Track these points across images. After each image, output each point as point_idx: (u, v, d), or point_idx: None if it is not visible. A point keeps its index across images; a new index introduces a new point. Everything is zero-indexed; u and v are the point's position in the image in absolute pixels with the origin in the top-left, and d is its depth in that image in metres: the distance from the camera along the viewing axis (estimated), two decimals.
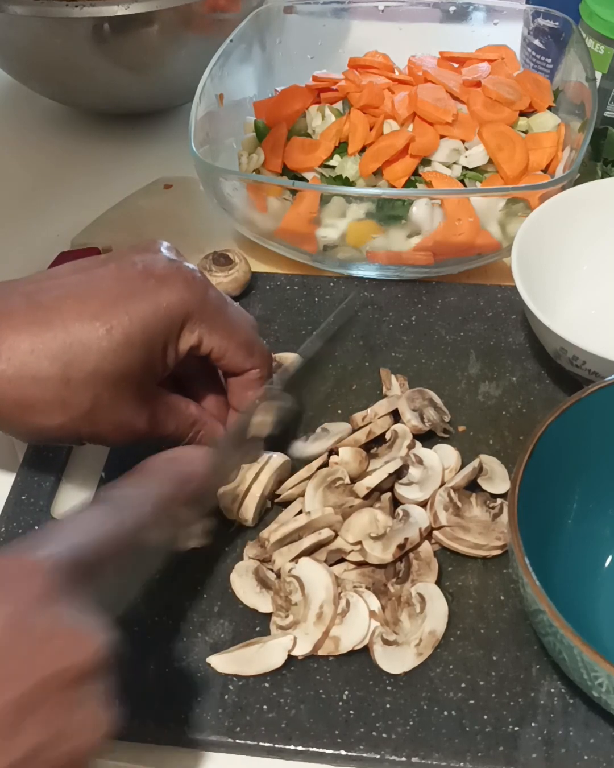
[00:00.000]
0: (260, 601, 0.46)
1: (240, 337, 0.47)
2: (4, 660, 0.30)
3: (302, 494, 0.50)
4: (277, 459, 0.50)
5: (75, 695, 0.31)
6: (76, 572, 0.34)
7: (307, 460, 0.51)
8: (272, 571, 0.47)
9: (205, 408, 0.50)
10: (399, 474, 0.50)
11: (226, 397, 0.51)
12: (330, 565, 0.47)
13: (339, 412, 0.56)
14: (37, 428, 0.44)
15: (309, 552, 0.47)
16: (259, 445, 0.49)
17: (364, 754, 0.41)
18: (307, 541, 0.47)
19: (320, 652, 0.44)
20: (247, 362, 0.48)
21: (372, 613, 0.45)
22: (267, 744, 0.42)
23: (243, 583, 0.47)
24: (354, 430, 0.53)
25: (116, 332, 0.42)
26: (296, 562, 0.46)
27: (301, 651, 0.44)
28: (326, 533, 0.47)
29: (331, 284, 0.65)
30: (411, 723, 0.42)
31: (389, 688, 0.43)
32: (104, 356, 0.42)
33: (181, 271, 0.45)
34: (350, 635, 0.44)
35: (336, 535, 0.47)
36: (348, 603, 0.45)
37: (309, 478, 0.50)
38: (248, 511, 0.48)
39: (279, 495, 0.50)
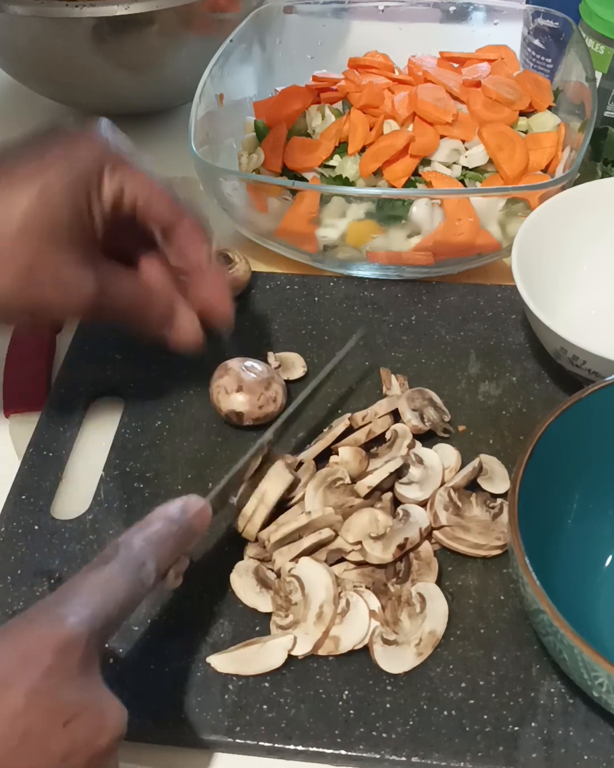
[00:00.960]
0: (260, 601, 0.46)
1: (158, 184, 0.48)
2: (35, 735, 0.31)
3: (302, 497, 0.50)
4: (278, 477, 0.49)
5: (97, 765, 0.32)
6: (100, 639, 0.34)
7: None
8: (272, 570, 0.47)
9: (154, 278, 0.50)
10: (399, 474, 0.50)
11: (169, 272, 0.51)
12: (331, 565, 0.47)
13: (339, 412, 0.56)
14: None
15: (309, 552, 0.47)
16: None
17: (364, 754, 0.41)
18: (308, 541, 0.47)
19: (320, 652, 0.44)
20: (172, 209, 0.48)
21: (372, 613, 0.45)
22: (267, 744, 0.42)
23: (243, 583, 0.47)
24: (354, 430, 0.53)
25: (40, 185, 0.43)
26: (296, 562, 0.46)
27: (300, 651, 0.44)
28: (326, 533, 0.47)
29: (331, 284, 0.65)
30: (411, 723, 0.42)
31: (389, 687, 0.43)
32: (32, 208, 0.43)
33: (90, 131, 0.47)
34: (350, 635, 0.44)
35: (337, 535, 0.47)
36: (348, 603, 0.45)
37: (309, 480, 0.50)
38: (255, 528, 0.48)
39: (285, 504, 0.50)
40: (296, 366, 0.58)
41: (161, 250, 0.50)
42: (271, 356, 0.58)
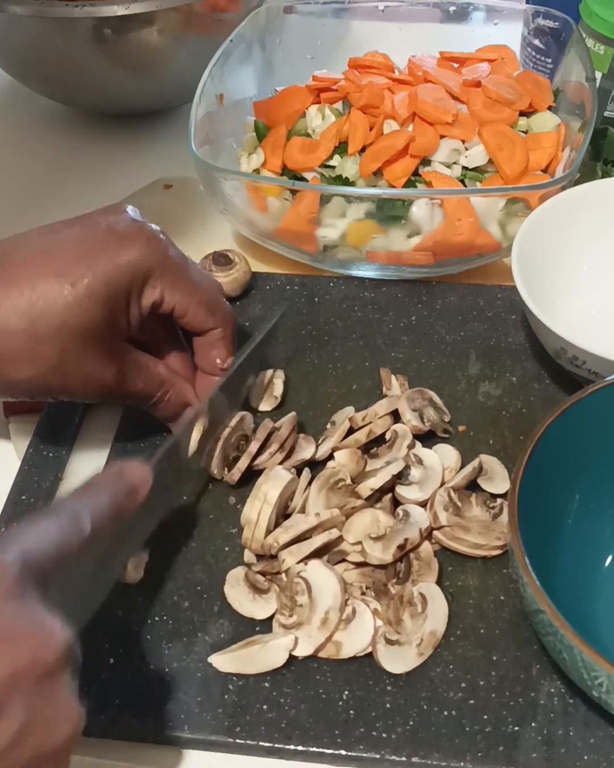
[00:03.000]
0: (256, 608, 0.46)
1: (201, 295, 0.49)
2: None
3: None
4: (276, 477, 0.49)
5: (48, 686, 0.32)
6: (39, 573, 0.35)
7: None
8: (264, 575, 0.47)
9: (172, 369, 0.52)
10: (399, 474, 0.50)
11: (191, 360, 0.53)
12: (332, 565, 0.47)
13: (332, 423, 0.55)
14: (9, 381, 0.46)
15: (318, 553, 0.47)
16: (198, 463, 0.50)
17: (364, 754, 0.41)
18: (319, 541, 0.46)
19: (321, 655, 0.44)
20: (208, 320, 0.50)
21: (375, 612, 0.45)
22: (267, 744, 0.42)
23: (237, 594, 0.46)
24: (354, 430, 0.53)
25: (79, 287, 0.45)
26: (305, 564, 0.46)
27: (302, 652, 0.44)
28: (335, 534, 0.47)
29: (331, 284, 0.65)
30: (411, 723, 0.42)
31: (389, 688, 0.43)
32: (69, 310, 0.44)
33: (142, 229, 0.48)
34: (353, 643, 0.44)
35: (341, 536, 0.47)
36: (354, 611, 0.45)
37: (309, 483, 0.50)
38: (262, 532, 0.47)
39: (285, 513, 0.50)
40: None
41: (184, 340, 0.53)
42: None
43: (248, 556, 0.49)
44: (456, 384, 0.57)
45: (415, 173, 0.63)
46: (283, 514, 0.49)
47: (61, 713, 0.32)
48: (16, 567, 0.34)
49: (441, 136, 0.64)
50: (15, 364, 0.45)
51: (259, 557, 0.48)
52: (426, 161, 0.64)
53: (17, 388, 0.47)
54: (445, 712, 0.43)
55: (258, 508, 0.48)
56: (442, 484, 0.50)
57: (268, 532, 0.48)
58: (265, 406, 0.56)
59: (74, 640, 0.34)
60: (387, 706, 0.43)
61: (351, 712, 0.43)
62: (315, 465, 0.52)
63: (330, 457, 0.52)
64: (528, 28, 0.75)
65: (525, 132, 0.66)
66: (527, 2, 0.77)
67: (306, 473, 0.51)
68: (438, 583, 0.46)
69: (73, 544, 0.37)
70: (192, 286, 0.49)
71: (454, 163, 0.64)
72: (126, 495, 0.41)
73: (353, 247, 0.63)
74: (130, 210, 0.49)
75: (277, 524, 0.48)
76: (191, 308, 0.49)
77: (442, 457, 0.51)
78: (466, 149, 0.64)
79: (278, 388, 0.56)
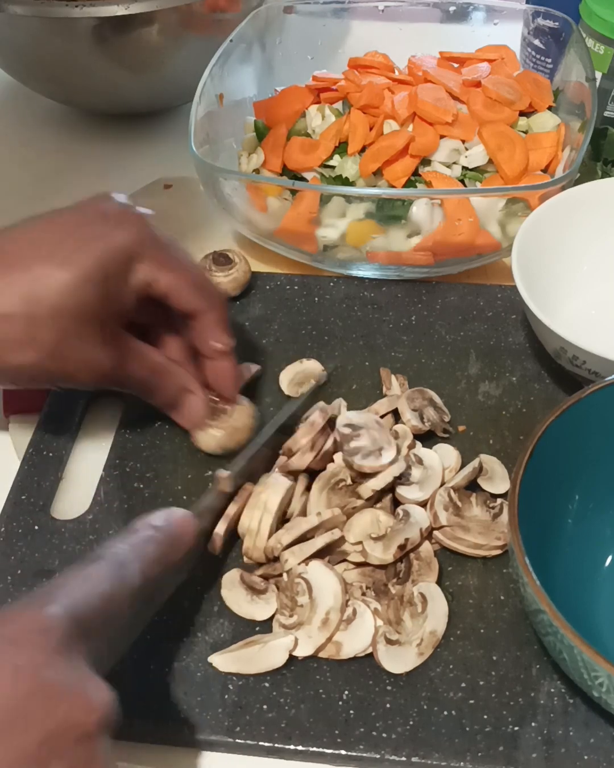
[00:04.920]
0: (255, 609, 0.46)
1: (191, 275, 0.50)
2: (20, 713, 0.31)
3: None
4: (275, 484, 0.48)
5: (86, 749, 0.32)
6: (83, 628, 0.35)
7: None
8: (263, 578, 0.47)
9: (169, 357, 0.52)
10: (400, 474, 0.50)
11: (186, 348, 0.53)
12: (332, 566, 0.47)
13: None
14: (10, 367, 0.46)
15: (320, 553, 0.47)
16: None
17: (364, 754, 0.41)
18: (321, 541, 0.46)
19: (321, 655, 0.44)
20: (197, 302, 0.50)
21: (375, 612, 0.45)
22: (267, 744, 0.42)
23: (234, 597, 0.46)
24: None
25: (75, 270, 0.45)
26: (306, 564, 0.46)
27: (302, 652, 0.44)
28: (337, 534, 0.47)
29: (331, 284, 0.65)
30: (411, 723, 0.42)
31: (389, 687, 0.43)
32: (66, 292, 0.45)
33: (131, 212, 0.49)
34: (353, 643, 0.44)
35: (343, 537, 0.47)
36: (355, 612, 0.45)
37: (308, 487, 0.50)
38: (263, 541, 0.47)
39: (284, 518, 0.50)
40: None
41: (182, 328, 0.52)
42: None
43: (257, 572, 0.48)
44: (456, 384, 0.57)
45: (415, 173, 0.63)
46: (281, 520, 0.49)
47: None
48: (65, 622, 0.34)
49: (441, 136, 0.64)
50: (15, 348, 0.45)
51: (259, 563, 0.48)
52: (426, 161, 0.64)
53: (19, 373, 0.47)
54: (445, 712, 0.43)
55: (258, 516, 0.47)
56: (442, 484, 0.50)
57: (269, 540, 0.47)
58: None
59: (115, 702, 0.33)
60: (387, 706, 0.43)
61: (351, 712, 0.43)
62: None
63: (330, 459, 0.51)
64: (528, 28, 0.75)
65: (525, 132, 0.66)
66: (527, 2, 0.77)
67: (302, 478, 0.50)
68: (438, 583, 0.46)
69: (121, 597, 0.37)
70: (182, 266, 0.49)
71: (454, 163, 0.64)
72: (171, 546, 0.42)
73: (353, 247, 0.63)
74: (117, 195, 0.50)
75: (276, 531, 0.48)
76: (182, 289, 0.49)
77: (442, 457, 0.51)
78: (466, 149, 0.64)
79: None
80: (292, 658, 0.44)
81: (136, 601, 0.39)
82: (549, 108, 0.68)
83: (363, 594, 0.46)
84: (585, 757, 0.41)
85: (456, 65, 0.70)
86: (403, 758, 0.41)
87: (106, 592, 0.37)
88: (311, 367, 0.58)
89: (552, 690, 0.43)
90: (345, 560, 0.48)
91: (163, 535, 0.42)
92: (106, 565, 0.38)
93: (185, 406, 0.52)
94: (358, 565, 0.47)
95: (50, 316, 0.45)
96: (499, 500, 0.49)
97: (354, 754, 0.42)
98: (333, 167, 0.65)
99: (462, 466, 0.51)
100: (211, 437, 0.52)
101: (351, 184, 0.64)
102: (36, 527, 0.50)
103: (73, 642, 0.33)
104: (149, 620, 0.42)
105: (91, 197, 0.50)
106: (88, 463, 0.55)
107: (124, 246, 0.47)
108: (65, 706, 0.32)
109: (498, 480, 0.51)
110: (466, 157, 0.64)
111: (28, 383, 0.49)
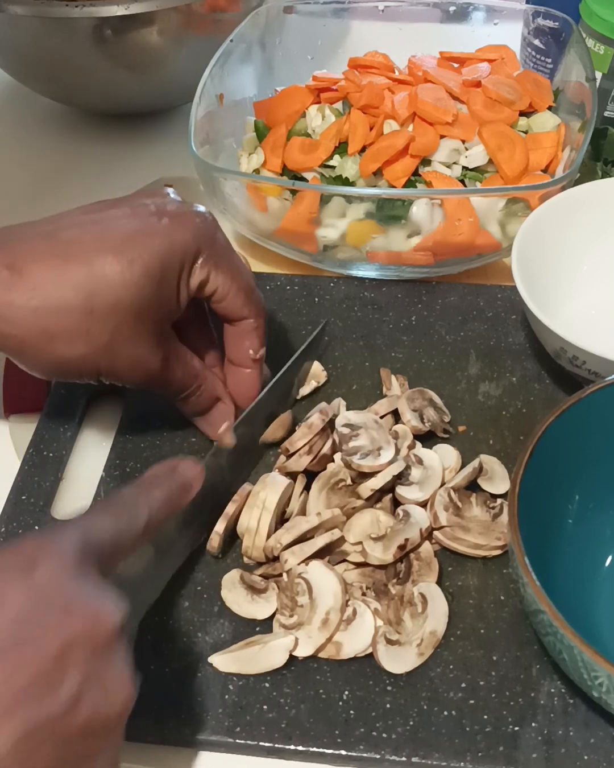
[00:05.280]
0: (256, 609, 0.46)
1: (241, 280, 0.49)
2: (36, 624, 0.32)
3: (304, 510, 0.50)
4: (273, 483, 0.48)
5: (103, 656, 0.33)
6: (97, 554, 0.36)
7: None
8: (263, 577, 0.47)
9: (204, 363, 0.52)
10: (399, 474, 0.50)
11: (220, 355, 0.53)
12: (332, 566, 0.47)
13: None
14: (60, 359, 0.45)
15: (320, 553, 0.47)
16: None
17: (364, 754, 0.41)
18: (321, 541, 0.46)
19: (321, 655, 0.44)
20: (244, 308, 0.50)
21: (375, 612, 0.45)
22: (267, 744, 0.42)
23: (235, 597, 0.46)
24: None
25: (136, 265, 0.44)
26: (306, 565, 0.46)
27: (302, 652, 0.44)
28: (337, 534, 0.47)
29: (331, 284, 0.65)
30: (411, 723, 0.42)
31: (389, 688, 0.43)
32: (125, 287, 0.44)
33: (191, 211, 0.48)
34: (353, 643, 0.44)
35: (343, 537, 0.47)
36: (355, 612, 0.45)
37: (307, 486, 0.50)
38: (262, 540, 0.47)
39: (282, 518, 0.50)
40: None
41: (210, 332, 0.53)
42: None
43: (258, 572, 0.48)
44: (456, 384, 0.57)
45: (415, 173, 0.63)
46: (280, 519, 0.49)
47: (116, 683, 0.33)
48: (79, 544, 0.35)
49: (441, 136, 0.64)
50: (68, 340, 0.44)
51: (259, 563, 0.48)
52: (426, 161, 0.64)
53: (68, 366, 0.46)
54: (445, 712, 0.43)
55: (257, 515, 0.47)
56: (442, 484, 0.50)
57: (268, 539, 0.47)
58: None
59: (129, 615, 0.34)
60: (388, 706, 0.43)
61: (352, 712, 0.43)
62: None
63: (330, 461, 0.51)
64: (528, 28, 0.75)
65: (525, 132, 0.66)
66: (527, 2, 0.77)
67: (301, 477, 0.50)
68: (438, 583, 0.46)
69: (129, 536, 0.38)
70: (235, 270, 0.49)
71: (454, 163, 0.64)
72: (179, 490, 0.42)
73: (353, 247, 0.63)
74: (172, 192, 0.49)
75: (275, 531, 0.48)
76: (231, 293, 0.49)
77: (442, 457, 0.51)
78: (466, 149, 0.64)
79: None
80: (292, 658, 0.44)
81: (147, 545, 0.40)
82: (549, 108, 0.68)
83: (364, 594, 0.46)
84: (585, 757, 0.41)
85: (456, 65, 0.70)
86: (403, 758, 0.41)
87: (114, 529, 0.37)
88: (311, 368, 0.58)
89: (552, 690, 0.43)
90: (345, 560, 0.48)
91: (169, 479, 0.42)
92: (115, 504, 0.39)
93: (213, 414, 0.52)
94: (358, 565, 0.47)
95: (107, 311, 0.44)
96: (499, 500, 0.49)
97: (354, 754, 0.42)
98: (333, 167, 0.65)
99: (462, 466, 0.51)
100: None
101: (352, 184, 0.64)
102: (36, 527, 0.50)
103: (87, 560, 0.34)
104: (166, 581, 0.43)
105: (140, 192, 0.49)
106: (88, 463, 0.55)
107: (185, 244, 0.46)
108: (80, 617, 0.32)
109: (498, 480, 0.51)
110: (466, 157, 0.64)
111: (73, 376, 0.48)
